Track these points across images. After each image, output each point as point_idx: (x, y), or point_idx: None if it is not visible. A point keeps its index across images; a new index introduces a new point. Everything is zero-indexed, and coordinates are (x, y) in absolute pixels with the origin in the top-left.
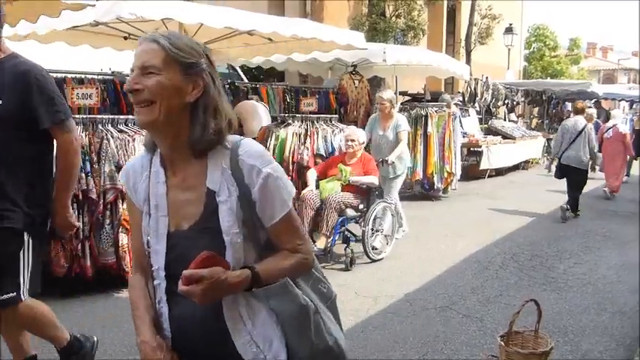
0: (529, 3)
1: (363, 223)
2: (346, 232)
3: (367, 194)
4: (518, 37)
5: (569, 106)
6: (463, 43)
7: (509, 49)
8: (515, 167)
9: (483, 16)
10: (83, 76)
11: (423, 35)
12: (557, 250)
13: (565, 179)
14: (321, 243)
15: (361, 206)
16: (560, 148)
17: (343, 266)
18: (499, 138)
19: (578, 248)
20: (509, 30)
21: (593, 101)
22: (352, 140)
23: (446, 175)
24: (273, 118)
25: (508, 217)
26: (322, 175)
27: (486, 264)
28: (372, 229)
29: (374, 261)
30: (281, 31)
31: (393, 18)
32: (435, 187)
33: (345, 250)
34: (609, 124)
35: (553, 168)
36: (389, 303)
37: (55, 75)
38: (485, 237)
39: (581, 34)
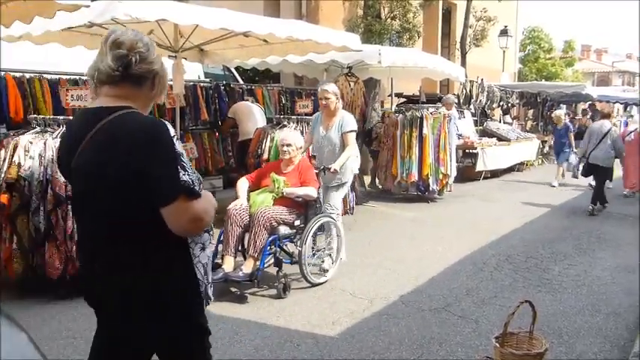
0: (524, 5)
1: (299, 242)
2: (278, 254)
3: (305, 208)
4: (513, 40)
5: (564, 108)
6: (458, 45)
7: (504, 52)
8: (511, 169)
9: (478, 19)
10: (78, 77)
11: (419, 37)
12: (551, 251)
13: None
14: (247, 267)
15: (297, 222)
16: (588, 149)
17: (275, 293)
18: (494, 140)
19: (572, 250)
20: (504, 32)
21: (587, 103)
22: (287, 145)
23: (441, 176)
24: (269, 120)
25: (503, 219)
26: (255, 185)
27: (481, 265)
28: (313, 248)
29: (314, 285)
30: (276, 33)
31: (389, 20)
32: (431, 188)
33: (277, 274)
34: (631, 127)
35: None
36: (384, 304)
37: (49, 76)
38: (480, 239)
39: (576, 37)
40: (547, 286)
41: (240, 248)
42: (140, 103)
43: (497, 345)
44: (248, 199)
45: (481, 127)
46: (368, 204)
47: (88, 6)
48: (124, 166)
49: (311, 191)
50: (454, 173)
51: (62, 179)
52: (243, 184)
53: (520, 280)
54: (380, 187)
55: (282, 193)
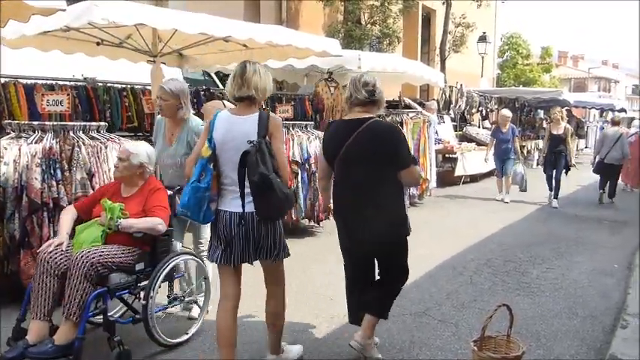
0: (502, 12)
1: (143, 294)
2: (112, 313)
3: (151, 246)
4: (491, 46)
5: (541, 113)
6: (438, 51)
7: (482, 57)
8: (490, 174)
9: (457, 25)
10: (54, 82)
11: (399, 43)
12: (530, 255)
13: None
14: (60, 336)
15: (139, 266)
16: (602, 151)
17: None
18: (473, 145)
19: (550, 253)
20: (482, 38)
21: (564, 109)
22: (121, 159)
23: (421, 181)
24: None
25: (482, 223)
26: (86, 215)
27: (461, 269)
28: (170, 297)
29: (169, 347)
30: (256, 38)
31: (369, 25)
32: (411, 193)
33: (108, 341)
34: (632, 130)
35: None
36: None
37: (24, 81)
38: (460, 243)
39: (553, 43)
40: (525, 290)
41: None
42: (374, 115)
43: (476, 349)
44: (73, 236)
45: (460, 132)
46: None
47: (64, 10)
48: (382, 149)
49: (156, 223)
50: (434, 178)
51: (38, 185)
52: (67, 214)
53: (499, 283)
54: None
55: (117, 226)
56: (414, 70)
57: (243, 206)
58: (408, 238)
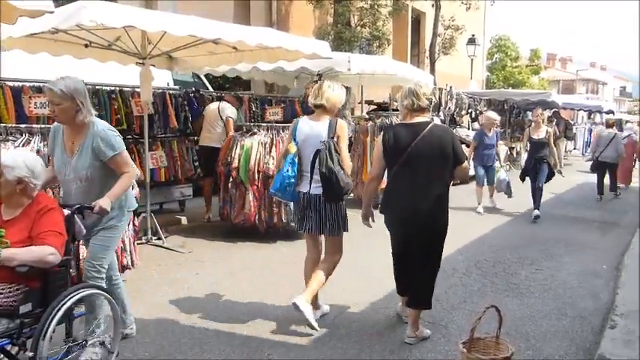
0: (491, 14)
1: (31, 343)
2: None
3: (42, 280)
4: (480, 48)
5: (529, 115)
6: (427, 53)
7: (472, 60)
8: None
9: (447, 27)
10: (42, 84)
11: (388, 45)
12: (519, 256)
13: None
14: None
15: (25, 308)
16: (597, 150)
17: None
18: (463, 147)
19: (539, 255)
20: (471, 41)
21: (552, 111)
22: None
23: None
24: (239, 127)
25: (472, 225)
26: None
27: (451, 271)
28: (69, 343)
29: None
30: (246, 40)
31: (359, 28)
32: None
33: None
34: (625, 133)
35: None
36: (355, 311)
37: (12, 84)
38: (449, 244)
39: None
40: (515, 291)
41: None
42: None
43: (465, 350)
44: None
45: None
46: None
47: (52, 12)
48: (445, 147)
49: (45, 254)
50: None
51: None
52: None
53: (488, 285)
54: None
55: None
56: (403, 73)
57: (309, 186)
58: (446, 229)
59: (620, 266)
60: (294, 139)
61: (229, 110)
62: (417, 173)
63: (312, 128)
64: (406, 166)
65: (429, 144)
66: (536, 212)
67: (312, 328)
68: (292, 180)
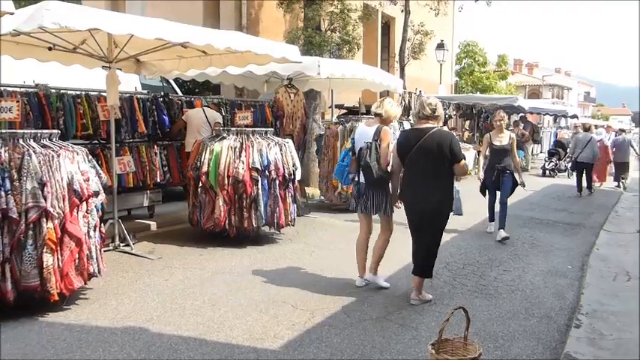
0: (459, 20)
1: None
2: None
3: None
4: (449, 53)
5: None
6: (397, 58)
7: (441, 65)
8: None
9: (416, 32)
10: (3, 88)
11: (358, 49)
12: (488, 258)
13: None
14: None
15: None
16: (575, 152)
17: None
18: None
19: (507, 256)
20: (440, 46)
21: (520, 115)
22: None
23: None
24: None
25: None
26: None
27: None
28: None
29: None
30: (215, 44)
31: (329, 32)
32: None
33: None
34: (597, 137)
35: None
36: (326, 315)
37: None
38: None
39: (508, 51)
40: (483, 292)
41: None
42: (436, 125)
43: (433, 352)
44: None
45: None
46: (309, 215)
47: (12, 13)
48: (443, 149)
49: None
50: None
51: None
52: None
53: (458, 286)
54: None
55: None
56: (373, 77)
57: (358, 177)
58: (449, 213)
59: (585, 266)
60: (352, 139)
61: (217, 114)
62: (422, 167)
63: (365, 131)
64: (413, 161)
65: (429, 145)
66: (503, 233)
67: (385, 288)
68: (346, 167)
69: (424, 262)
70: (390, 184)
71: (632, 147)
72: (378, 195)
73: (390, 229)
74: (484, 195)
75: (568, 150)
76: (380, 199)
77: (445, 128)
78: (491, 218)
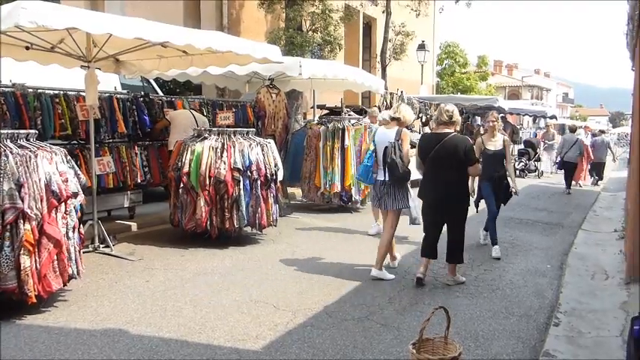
0: (440, 21)
1: None
2: None
3: None
4: (430, 54)
5: (478, 120)
6: (379, 58)
7: (422, 65)
8: None
9: (397, 33)
10: None
11: (340, 50)
12: (469, 257)
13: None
14: None
15: None
16: (562, 151)
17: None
18: (414, 151)
19: (488, 256)
20: (421, 47)
21: (500, 115)
22: None
23: (363, 187)
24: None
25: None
26: None
27: (403, 273)
28: None
29: None
30: (195, 44)
31: (310, 32)
32: (353, 199)
33: None
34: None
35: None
36: (308, 316)
37: None
38: (402, 247)
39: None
40: (464, 292)
41: None
42: (453, 130)
43: (414, 351)
44: None
45: None
46: (291, 215)
47: None
48: (459, 152)
49: None
50: None
51: None
52: None
53: (439, 286)
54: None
55: None
56: (354, 77)
57: (384, 175)
58: (467, 207)
59: (564, 265)
60: (373, 141)
61: (205, 119)
62: (440, 169)
63: (385, 134)
64: (432, 163)
65: (446, 148)
66: (497, 251)
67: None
68: (370, 168)
69: (455, 250)
70: (409, 182)
71: (610, 148)
72: (400, 191)
73: (395, 226)
74: (477, 208)
75: (557, 149)
76: (401, 195)
77: (427, 129)
78: (487, 227)
